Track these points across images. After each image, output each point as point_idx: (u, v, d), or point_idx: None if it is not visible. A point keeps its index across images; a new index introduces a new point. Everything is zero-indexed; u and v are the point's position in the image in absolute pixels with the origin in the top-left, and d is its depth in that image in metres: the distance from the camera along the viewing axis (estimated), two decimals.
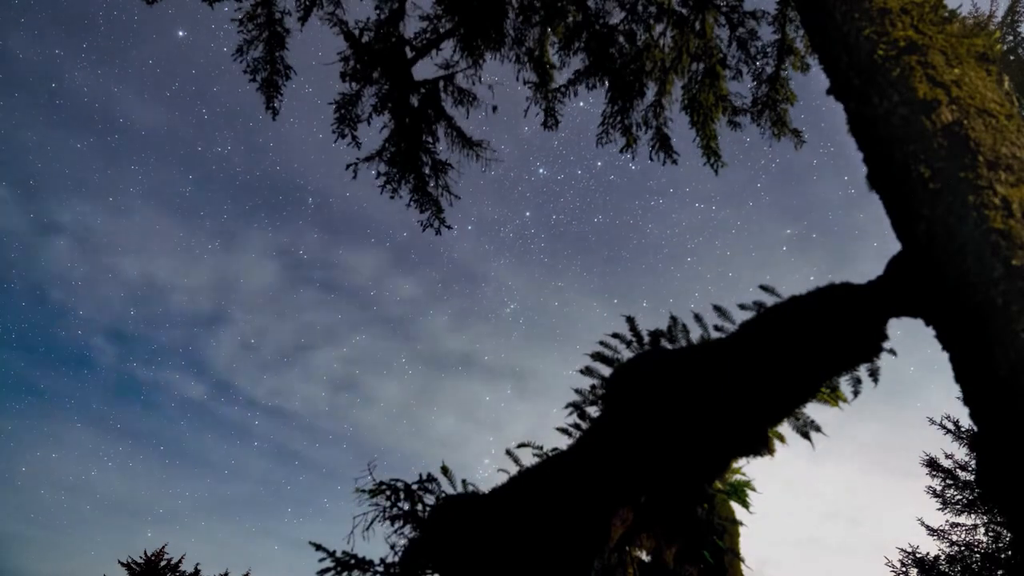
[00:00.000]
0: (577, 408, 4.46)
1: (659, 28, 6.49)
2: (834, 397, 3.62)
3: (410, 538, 3.33)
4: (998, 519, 11.43)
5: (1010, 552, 11.15)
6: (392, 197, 6.55)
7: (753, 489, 4.69)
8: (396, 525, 3.40)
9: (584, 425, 4.37)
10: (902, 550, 12.29)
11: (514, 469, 3.78)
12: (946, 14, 2.22)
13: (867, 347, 2.66)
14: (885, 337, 2.63)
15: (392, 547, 3.33)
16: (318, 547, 3.34)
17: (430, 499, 3.46)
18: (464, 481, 3.69)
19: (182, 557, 15.98)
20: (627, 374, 3.24)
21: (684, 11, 6.38)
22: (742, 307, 3.60)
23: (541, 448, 4.19)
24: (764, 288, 3.42)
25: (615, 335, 4.47)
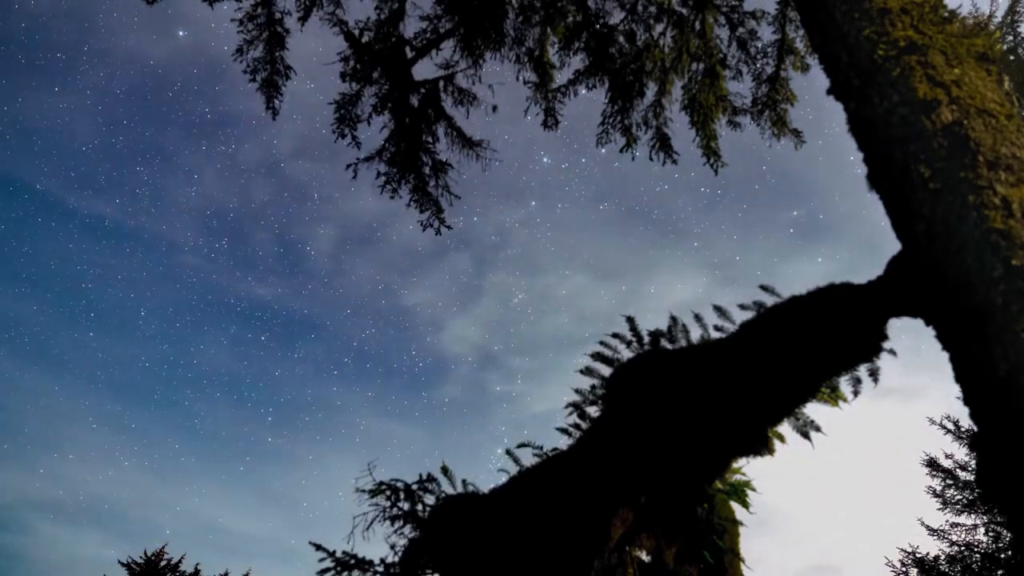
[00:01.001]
0: (577, 408, 4.46)
1: (659, 28, 6.49)
2: (834, 397, 3.62)
3: (410, 538, 3.33)
4: (998, 519, 11.43)
5: (1010, 552, 11.15)
6: (392, 197, 6.56)
7: (753, 489, 4.69)
8: (396, 525, 3.40)
9: (584, 425, 4.37)
10: (902, 550, 12.29)
11: (514, 469, 3.78)
12: (946, 14, 2.22)
13: (867, 347, 2.66)
14: (885, 337, 2.63)
15: (392, 547, 3.32)
16: (318, 547, 3.33)
17: (430, 499, 3.46)
18: (464, 481, 3.69)
19: (182, 557, 15.97)
20: (627, 374, 3.24)
21: (684, 11, 6.38)
22: (742, 307, 3.60)
23: (541, 448, 4.19)
24: (764, 288, 3.42)
25: (615, 335, 4.47)
